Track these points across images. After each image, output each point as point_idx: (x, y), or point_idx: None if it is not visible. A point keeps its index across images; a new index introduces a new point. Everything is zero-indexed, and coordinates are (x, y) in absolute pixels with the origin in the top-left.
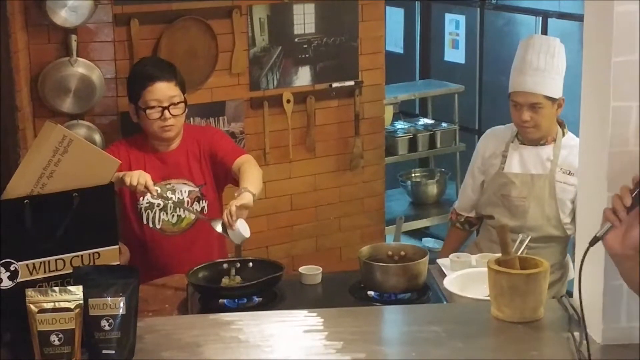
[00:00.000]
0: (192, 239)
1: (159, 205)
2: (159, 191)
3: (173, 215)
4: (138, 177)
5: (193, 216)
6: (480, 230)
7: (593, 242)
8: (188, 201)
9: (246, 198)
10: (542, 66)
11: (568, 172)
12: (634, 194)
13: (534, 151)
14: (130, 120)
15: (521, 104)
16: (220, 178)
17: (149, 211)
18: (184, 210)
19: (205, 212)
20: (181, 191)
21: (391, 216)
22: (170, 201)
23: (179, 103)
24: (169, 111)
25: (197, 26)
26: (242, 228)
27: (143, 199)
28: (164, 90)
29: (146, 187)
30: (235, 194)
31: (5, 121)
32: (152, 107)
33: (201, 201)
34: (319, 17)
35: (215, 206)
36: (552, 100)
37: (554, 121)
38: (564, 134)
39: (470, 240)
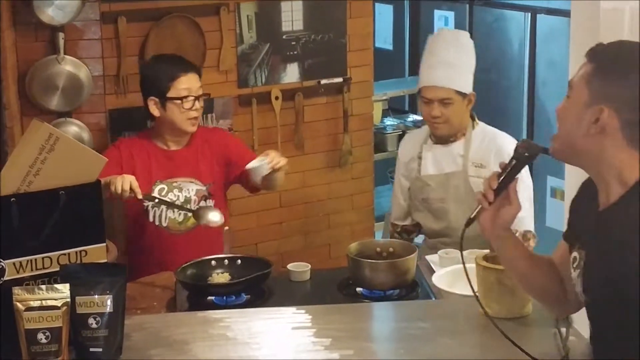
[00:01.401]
0: (198, 238)
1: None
2: (166, 189)
3: (180, 214)
4: (122, 183)
5: None
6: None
7: (468, 224)
8: (195, 199)
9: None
10: (453, 60)
11: (480, 164)
12: (501, 178)
13: (446, 149)
14: (118, 117)
15: (431, 99)
16: (230, 179)
17: (156, 209)
18: (190, 208)
19: None
20: (188, 189)
21: (381, 213)
22: (155, 200)
23: (203, 97)
24: (199, 101)
25: (184, 23)
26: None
27: None
28: (194, 81)
29: (132, 191)
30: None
31: None
32: (185, 97)
33: (208, 200)
34: (307, 14)
35: (221, 205)
36: (463, 95)
37: (466, 117)
38: (474, 127)
39: None
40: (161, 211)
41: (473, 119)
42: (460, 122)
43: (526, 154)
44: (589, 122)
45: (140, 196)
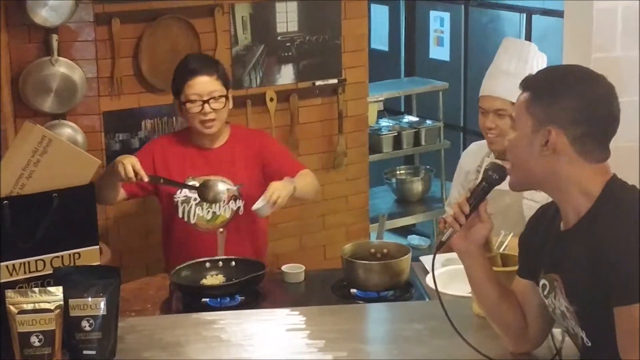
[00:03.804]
0: (227, 236)
1: (195, 199)
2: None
3: (208, 212)
4: (125, 170)
5: (228, 214)
6: None
7: (439, 247)
8: (225, 199)
9: (289, 187)
10: (512, 70)
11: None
12: (471, 202)
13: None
14: (112, 119)
15: (487, 110)
16: (268, 182)
17: (185, 205)
18: (219, 207)
19: (241, 213)
20: None
21: (376, 214)
22: (161, 180)
23: (219, 97)
24: (209, 105)
25: (178, 25)
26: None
27: (180, 192)
28: (204, 84)
29: (135, 171)
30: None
31: None
32: (193, 101)
33: (237, 200)
34: (301, 15)
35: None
36: None
37: None
38: None
39: None
40: (190, 207)
41: None
42: None
43: (495, 177)
44: (540, 146)
45: (146, 179)
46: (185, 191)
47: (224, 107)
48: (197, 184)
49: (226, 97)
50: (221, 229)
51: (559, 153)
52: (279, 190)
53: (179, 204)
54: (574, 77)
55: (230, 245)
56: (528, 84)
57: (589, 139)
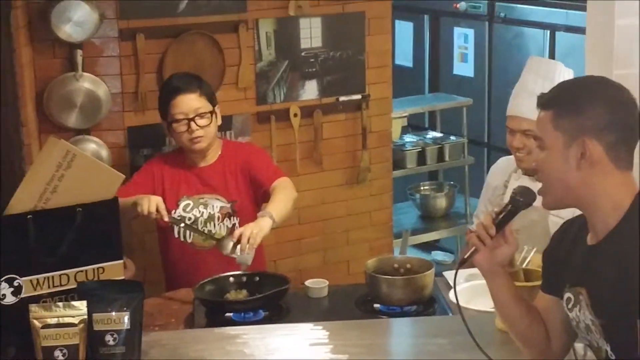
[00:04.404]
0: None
1: (189, 219)
2: (191, 205)
3: (203, 230)
4: (149, 205)
5: (224, 232)
6: None
7: (461, 264)
8: (219, 217)
9: (265, 224)
10: (539, 90)
11: None
12: (496, 224)
13: (534, 183)
14: (137, 135)
15: (514, 130)
16: (258, 197)
17: (181, 224)
18: (214, 226)
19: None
20: (213, 206)
21: (400, 229)
22: (182, 224)
23: (205, 114)
24: (195, 122)
25: (203, 40)
26: (251, 253)
27: (175, 212)
28: (188, 102)
29: (158, 212)
30: (258, 215)
31: (10, 137)
32: (179, 121)
33: (232, 217)
34: (325, 30)
35: (249, 222)
36: None
37: None
38: None
39: None
40: (185, 224)
41: None
42: None
43: (521, 200)
44: (577, 159)
45: (166, 218)
46: (180, 211)
47: (210, 123)
48: (192, 204)
49: (212, 112)
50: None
51: (596, 164)
52: (248, 231)
53: (174, 225)
54: (593, 85)
55: (230, 262)
56: (546, 102)
57: (621, 144)
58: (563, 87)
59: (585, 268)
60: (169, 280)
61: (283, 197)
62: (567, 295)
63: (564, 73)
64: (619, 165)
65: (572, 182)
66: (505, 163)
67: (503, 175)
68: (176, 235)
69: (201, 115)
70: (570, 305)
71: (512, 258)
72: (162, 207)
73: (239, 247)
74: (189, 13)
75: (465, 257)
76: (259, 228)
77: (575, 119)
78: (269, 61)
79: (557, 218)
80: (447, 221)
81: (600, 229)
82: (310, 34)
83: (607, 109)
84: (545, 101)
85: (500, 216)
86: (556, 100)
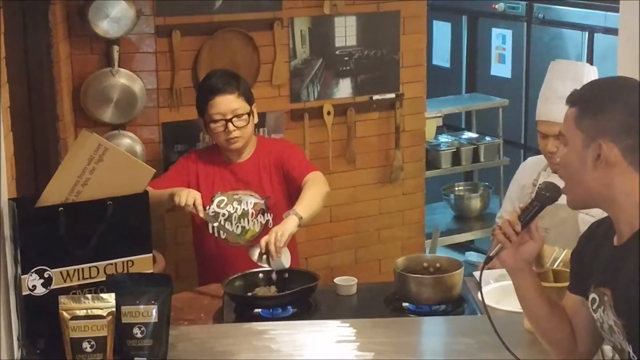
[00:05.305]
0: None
1: (224, 215)
2: (225, 201)
3: (237, 227)
4: (187, 197)
5: (258, 228)
6: None
7: (487, 261)
8: (253, 213)
9: (290, 225)
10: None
11: None
12: (522, 220)
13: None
14: (171, 130)
15: (546, 134)
16: (292, 192)
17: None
18: (248, 222)
19: (270, 226)
20: (247, 202)
21: (432, 229)
22: (215, 223)
23: (242, 115)
24: (232, 123)
25: (238, 38)
26: (283, 257)
27: (209, 208)
28: (226, 103)
29: (194, 207)
30: (283, 216)
31: (47, 131)
32: (216, 121)
33: (265, 214)
34: (360, 29)
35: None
36: None
37: None
38: None
39: None
40: (219, 223)
41: None
42: None
43: (547, 195)
44: (593, 160)
45: (202, 214)
46: (214, 207)
47: (247, 124)
48: (226, 199)
49: (249, 113)
50: None
51: (612, 166)
52: (272, 237)
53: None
54: (618, 87)
55: None
56: (574, 99)
57: None
58: (590, 86)
59: (610, 269)
60: (203, 275)
61: (312, 193)
62: (592, 295)
63: (591, 73)
64: (636, 168)
65: (589, 182)
66: (534, 161)
67: (532, 174)
68: (210, 231)
69: (239, 116)
70: (595, 306)
71: (542, 258)
72: (199, 202)
73: (265, 256)
74: (224, 10)
75: (491, 254)
76: (283, 230)
77: (595, 119)
78: (303, 59)
79: (588, 216)
80: (481, 222)
81: (625, 230)
82: (345, 32)
83: (626, 112)
84: (573, 98)
85: (526, 212)
86: (581, 99)
